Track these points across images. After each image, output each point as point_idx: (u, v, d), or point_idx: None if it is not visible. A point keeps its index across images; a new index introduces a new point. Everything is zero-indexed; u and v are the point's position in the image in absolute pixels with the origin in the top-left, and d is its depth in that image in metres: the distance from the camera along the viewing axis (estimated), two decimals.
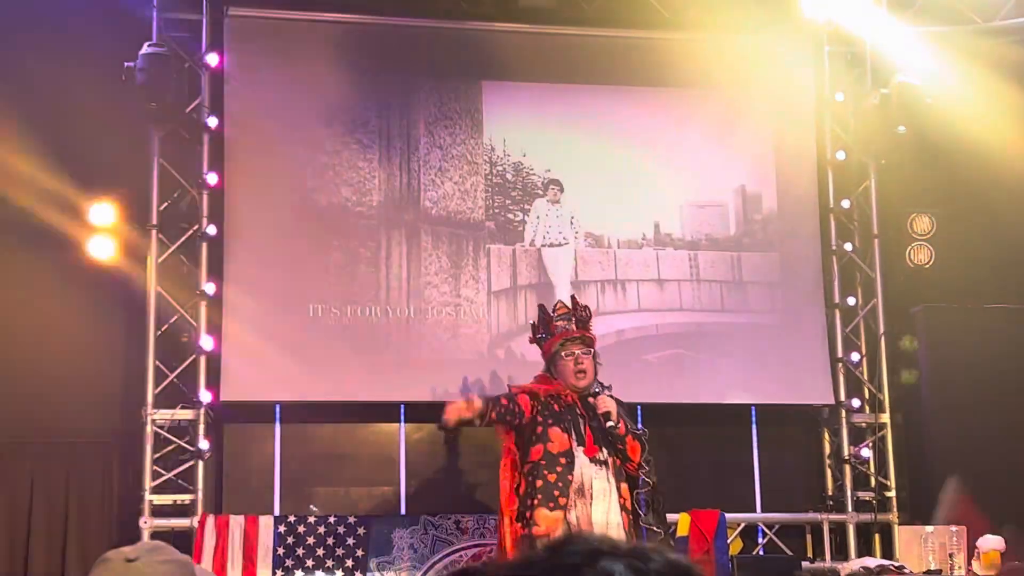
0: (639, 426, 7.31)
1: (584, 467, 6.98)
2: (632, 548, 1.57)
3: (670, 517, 8.57)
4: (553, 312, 7.37)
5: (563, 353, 7.17)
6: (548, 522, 6.82)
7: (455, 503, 9.13)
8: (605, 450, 7.04)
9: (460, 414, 6.85)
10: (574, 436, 7.02)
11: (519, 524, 6.89)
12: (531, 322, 7.58)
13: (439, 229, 9.36)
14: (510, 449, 7.10)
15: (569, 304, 7.44)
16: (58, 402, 8.85)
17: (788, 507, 9.61)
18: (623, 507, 7.02)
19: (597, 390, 7.14)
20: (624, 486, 7.06)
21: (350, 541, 8.60)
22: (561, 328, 7.26)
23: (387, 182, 9.35)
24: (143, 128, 8.95)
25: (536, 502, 6.86)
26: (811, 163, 9.94)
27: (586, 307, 7.48)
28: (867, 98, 9.70)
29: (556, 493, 6.88)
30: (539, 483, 6.90)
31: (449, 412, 6.82)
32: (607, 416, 7.01)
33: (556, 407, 7.08)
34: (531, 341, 7.49)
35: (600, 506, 6.94)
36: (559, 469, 6.93)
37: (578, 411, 7.11)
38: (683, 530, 8.72)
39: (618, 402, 7.15)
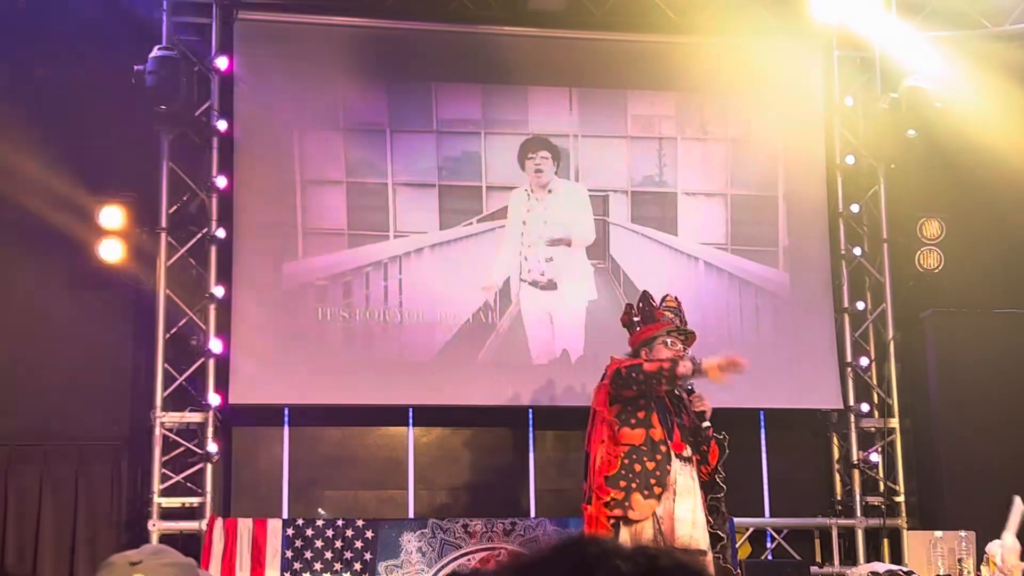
0: (721, 432, 7.14)
1: (672, 461, 6.83)
2: (642, 548, 1.57)
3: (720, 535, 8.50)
4: (661, 302, 7.28)
5: (668, 340, 7.05)
6: (642, 509, 6.69)
7: (463, 506, 9.13)
8: (690, 448, 6.93)
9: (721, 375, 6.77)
10: (666, 430, 6.87)
11: (612, 493, 6.71)
12: (628, 303, 7.44)
13: (449, 232, 9.36)
14: (610, 421, 6.88)
15: (676, 300, 7.37)
16: (67, 404, 8.87)
17: (797, 512, 9.60)
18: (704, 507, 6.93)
19: (691, 388, 7.05)
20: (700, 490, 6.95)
21: (358, 544, 8.61)
22: (669, 319, 7.18)
23: (396, 185, 9.35)
24: (153, 131, 8.97)
25: (635, 486, 6.70)
26: (820, 167, 9.92)
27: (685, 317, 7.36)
28: (877, 102, 9.70)
29: (653, 482, 6.72)
30: (638, 467, 6.73)
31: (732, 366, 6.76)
32: (702, 416, 6.94)
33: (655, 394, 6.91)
34: (623, 321, 7.27)
35: (685, 503, 6.80)
36: (659, 458, 6.77)
37: (666, 405, 6.97)
38: None
39: None
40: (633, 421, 6.81)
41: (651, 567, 1.52)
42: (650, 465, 6.73)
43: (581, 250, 9.57)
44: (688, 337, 7.14)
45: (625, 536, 6.58)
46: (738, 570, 7.28)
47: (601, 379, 6.99)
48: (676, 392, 6.98)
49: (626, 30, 9.77)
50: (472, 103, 9.58)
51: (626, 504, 6.66)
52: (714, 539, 6.94)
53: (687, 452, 6.88)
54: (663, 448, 6.76)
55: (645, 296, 7.29)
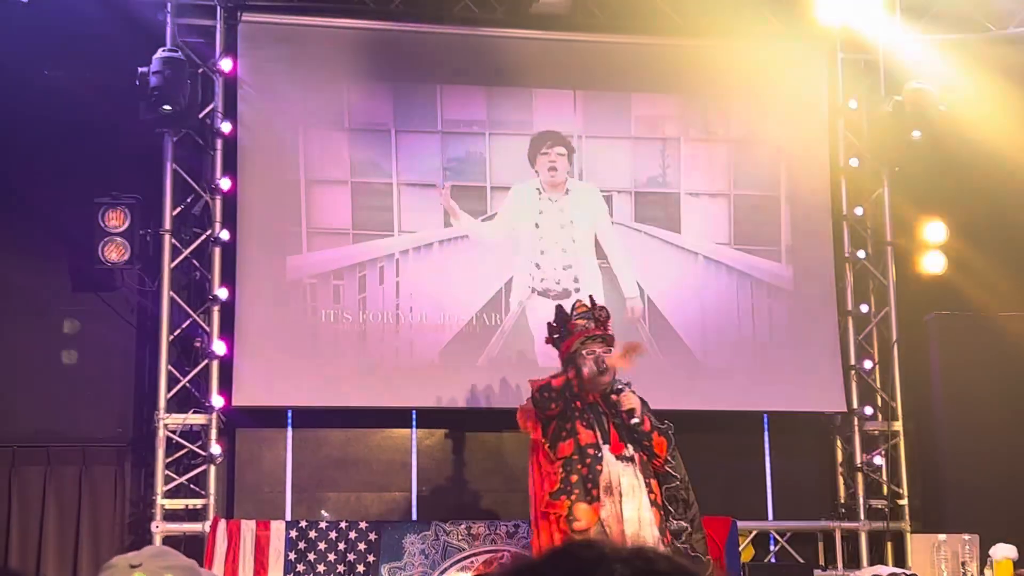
0: (664, 421, 7.24)
1: (611, 464, 6.94)
2: (639, 551, 1.57)
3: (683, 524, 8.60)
4: (572, 311, 7.32)
5: (584, 351, 7.11)
6: (587, 516, 6.81)
7: (466, 509, 9.13)
8: (631, 447, 7.02)
9: (622, 362, 7.06)
10: (599, 433, 6.98)
11: (557, 505, 6.86)
12: (548, 322, 7.48)
13: (453, 234, 9.36)
14: (539, 441, 7.05)
15: (588, 303, 7.39)
16: (71, 406, 8.88)
17: (800, 515, 9.59)
18: (654, 503, 6.98)
19: (620, 387, 7.08)
20: (654, 482, 7.05)
21: (361, 546, 8.60)
22: (581, 327, 7.20)
23: (400, 187, 9.35)
24: (157, 133, 8.97)
25: (575, 496, 6.83)
26: (824, 170, 9.92)
27: (603, 307, 7.39)
28: (881, 105, 9.68)
29: (589, 486, 6.85)
30: (574, 477, 6.88)
31: (630, 350, 7.08)
32: (631, 413, 7.00)
33: (578, 404, 7.03)
34: (547, 341, 7.42)
35: (630, 503, 6.90)
36: (588, 462, 6.90)
37: (600, 409, 7.08)
38: None
39: (641, 399, 7.13)
40: (563, 434, 6.97)
41: (648, 570, 1.52)
42: (584, 471, 6.88)
43: (595, 255, 9.54)
44: (607, 339, 7.19)
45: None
46: (707, 557, 7.30)
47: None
48: (610, 394, 7.06)
49: (630, 32, 9.77)
50: (477, 105, 9.58)
51: (571, 517, 6.80)
52: (678, 530, 7.04)
53: (628, 451, 7.00)
54: (591, 451, 6.91)
55: (558, 311, 7.38)
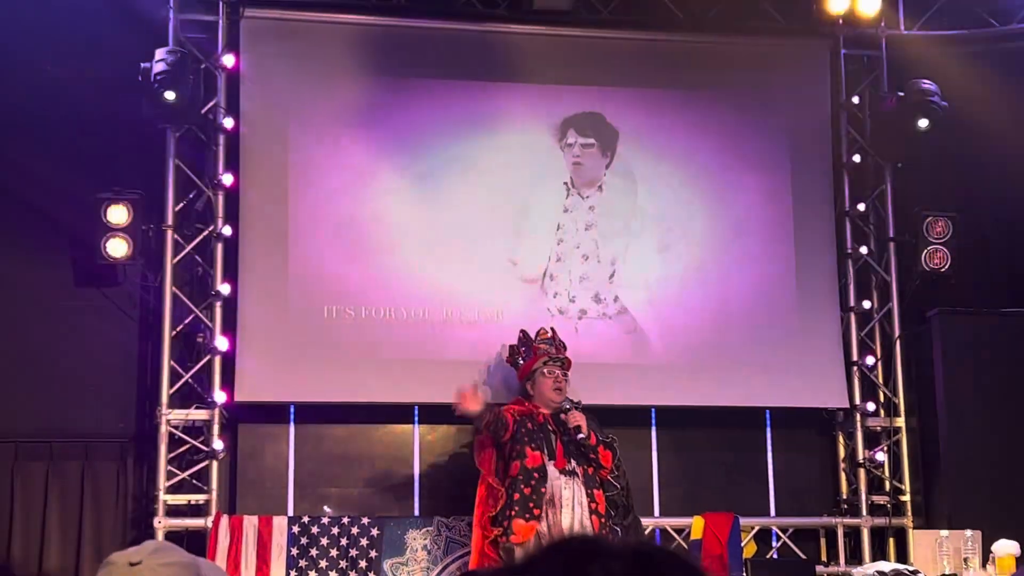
0: (609, 435, 8.08)
1: (554, 479, 7.78)
2: (634, 545, 1.56)
3: (683, 521, 8.68)
4: (536, 336, 8.35)
5: (545, 370, 8.13)
6: (523, 531, 7.59)
7: (469, 505, 9.09)
8: (574, 461, 7.86)
9: (467, 405, 7.81)
10: (545, 452, 7.84)
11: (496, 531, 7.72)
12: (510, 344, 8.50)
13: (454, 230, 9.34)
14: (488, 467, 7.97)
15: (550, 332, 8.41)
16: (73, 402, 8.89)
17: (802, 511, 9.59)
18: (595, 511, 7.77)
19: (568, 407, 7.98)
20: (598, 492, 7.87)
21: (363, 542, 8.61)
22: (544, 350, 8.25)
23: (403, 183, 9.34)
24: (159, 129, 8.97)
25: (513, 513, 7.65)
26: (827, 166, 9.91)
27: (563, 342, 8.39)
28: (884, 101, 9.67)
29: (531, 505, 7.68)
30: (516, 496, 7.70)
31: (462, 400, 7.84)
32: (578, 429, 7.83)
33: (530, 425, 7.92)
34: (508, 362, 8.46)
35: (569, 514, 7.71)
36: (533, 483, 7.73)
37: (550, 428, 7.95)
38: (697, 533, 8.72)
39: (587, 416, 8.00)
40: (513, 454, 7.84)
41: (641, 559, 1.52)
42: (527, 491, 7.71)
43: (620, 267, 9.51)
44: (564, 363, 8.23)
45: (521, 555, 7.40)
46: None
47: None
48: (560, 416, 7.98)
49: (632, 29, 9.76)
50: (479, 100, 9.56)
51: (509, 530, 7.63)
52: (622, 531, 7.93)
53: (570, 466, 7.84)
54: (536, 475, 7.76)
55: (523, 335, 8.42)
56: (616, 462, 8.07)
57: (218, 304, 8.93)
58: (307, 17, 9.41)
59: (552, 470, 7.79)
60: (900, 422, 9.69)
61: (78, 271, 9.03)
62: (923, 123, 9.37)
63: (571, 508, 7.72)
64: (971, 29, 9.80)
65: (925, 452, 9.71)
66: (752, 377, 9.46)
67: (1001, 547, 8.39)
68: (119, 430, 8.99)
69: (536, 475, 7.74)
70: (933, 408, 9.72)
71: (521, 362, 8.33)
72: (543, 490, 7.70)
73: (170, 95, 8.53)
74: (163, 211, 8.97)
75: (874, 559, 9.24)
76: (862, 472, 9.57)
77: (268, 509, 8.82)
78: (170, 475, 8.73)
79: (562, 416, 7.96)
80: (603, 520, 7.78)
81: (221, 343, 8.83)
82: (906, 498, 9.55)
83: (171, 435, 8.77)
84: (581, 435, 7.84)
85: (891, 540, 9.57)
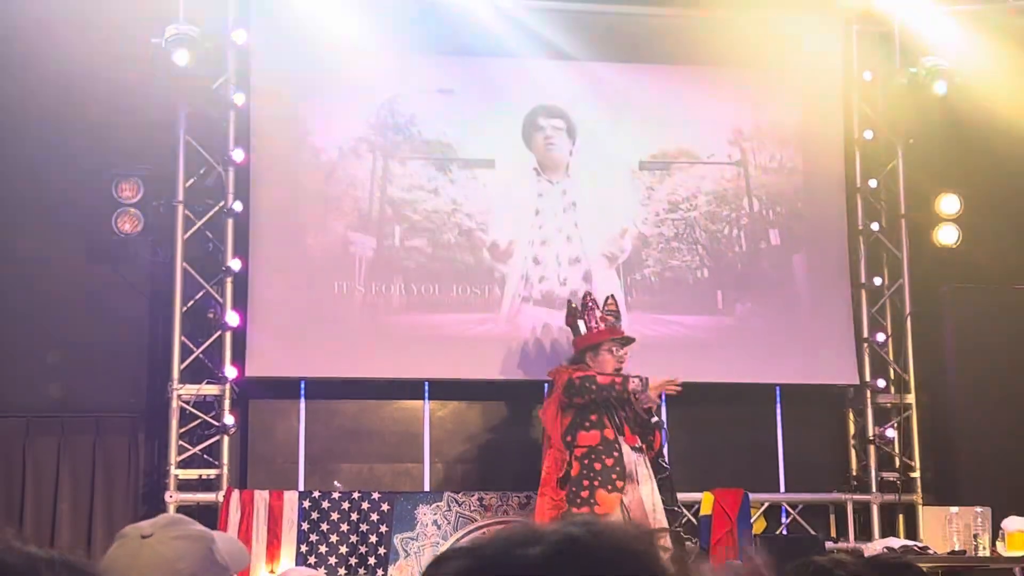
0: (655, 418, 8.03)
1: (629, 455, 7.69)
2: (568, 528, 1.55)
3: (693, 496, 8.71)
4: (604, 306, 8.07)
5: (613, 348, 7.91)
6: (608, 502, 7.48)
7: (478, 480, 9.15)
8: (639, 439, 7.79)
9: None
10: (617, 427, 7.72)
11: (572, 506, 7.49)
12: (571, 303, 8.20)
13: (461, 205, 9.33)
14: (555, 430, 7.75)
15: (615, 303, 8.15)
16: (85, 377, 8.91)
17: (812, 487, 9.58)
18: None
19: (642, 386, 7.75)
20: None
21: (374, 517, 8.63)
22: (611, 323, 8.00)
23: (413, 158, 9.33)
24: (169, 104, 8.96)
25: (597, 483, 7.53)
26: (838, 142, 9.88)
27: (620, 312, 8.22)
28: (896, 77, 9.62)
29: (614, 476, 7.57)
30: (598, 466, 7.57)
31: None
32: (650, 412, 7.81)
33: (610, 397, 7.76)
34: (568, 323, 8.11)
35: (646, 488, 7.66)
36: (616, 455, 7.61)
37: (611, 402, 7.75)
38: (706, 509, 8.74)
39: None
40: (587, 424, 7.68)
41: (566, 542, 1.50)
42: (608, 462, 7.60)
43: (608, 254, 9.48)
44: (626, 341, 8.02)
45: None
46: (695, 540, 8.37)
47: (551, 391, 7.99)
48: (631, 392, 7.80)
49: (642, 4, 9.72)
50: (487, 75, 9.53)
51: (592, 501, 7.47)
52: (671, 515, 7.77)
53: (639, 443, 7.78)
54: (617, 446, 7.64)
55: (588, 297, 8.16)
56: (662, 447, 8.10)
57: (229, 280, 8.94)
58: None
59: (625, 446, 7.73)
60: (911, 399, 9.68)
61: (89, 246, 9.04)
62: (941, 87, 9.31)
63: (647, 483, 7.72)
64: (983, 4, 9.74)
65: (935, 429, 9.70)
66: (762, 353, 9.45)
67: (1011, 523, 8.40)
68: (130, 405, 9.01)
69: (617, 447, 7.67)
70: (944, 385, 9.72)
71: (582, 328, 8.03)
72: (626, 462, 7.66)
73: (181, 57, 8.53)
74: (174, 187, 8.97)
75: (884, 536, 9.26)
76: (872, 448, 9.57)
77: (279, 484, 8.84)
78: (181, 450, 8.76)
79: (637, 395, 7.80)
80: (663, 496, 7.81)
81: (232, 318, 8.84)
82: (916, 475, 9.55)
83: (182, 410, 8.79)
84: (655, 419, 7.91)
85: (901, 517, 9.57)
